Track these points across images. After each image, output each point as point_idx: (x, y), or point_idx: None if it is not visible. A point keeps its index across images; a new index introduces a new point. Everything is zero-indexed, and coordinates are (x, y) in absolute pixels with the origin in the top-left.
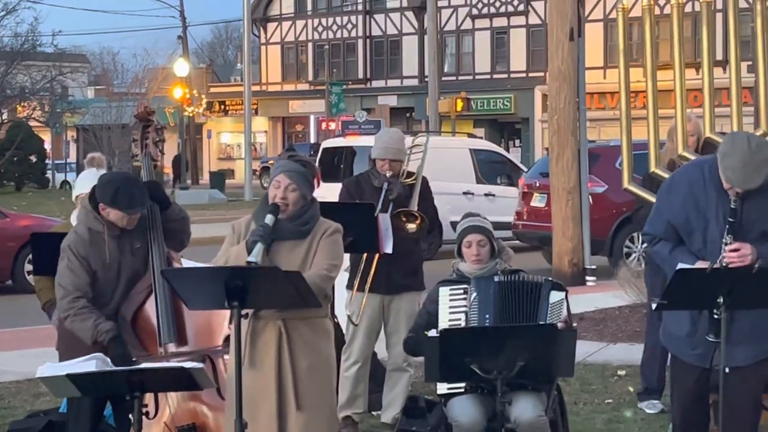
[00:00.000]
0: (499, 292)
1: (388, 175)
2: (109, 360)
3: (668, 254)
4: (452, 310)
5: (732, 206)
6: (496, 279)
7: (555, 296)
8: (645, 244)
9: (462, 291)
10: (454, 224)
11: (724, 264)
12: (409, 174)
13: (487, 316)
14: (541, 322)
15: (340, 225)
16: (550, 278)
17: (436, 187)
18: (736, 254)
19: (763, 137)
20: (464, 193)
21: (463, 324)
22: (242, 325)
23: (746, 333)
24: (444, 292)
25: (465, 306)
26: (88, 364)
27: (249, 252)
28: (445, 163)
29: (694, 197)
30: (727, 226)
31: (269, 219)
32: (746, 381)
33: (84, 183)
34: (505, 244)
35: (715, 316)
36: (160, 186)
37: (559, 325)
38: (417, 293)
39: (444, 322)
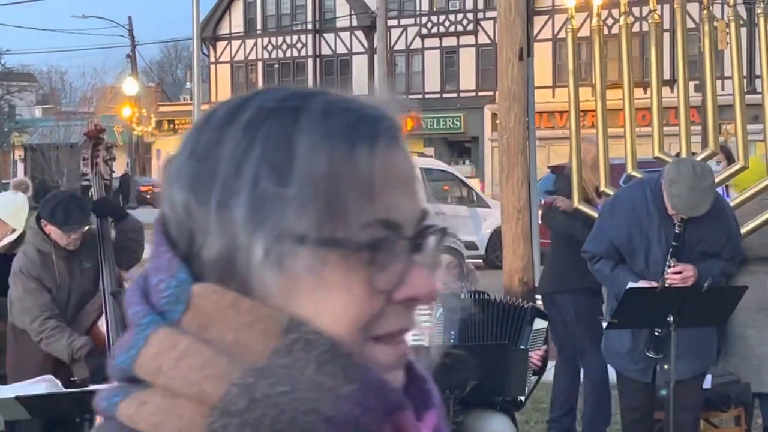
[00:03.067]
0: (466, 311)
1: None
2: (59, 382)
3: (610, 272)
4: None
5: (676, 231)
6: (463, 296)
7: (538, 323)
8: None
9: (426, 307)
10: None
11: (667, 285)
12: None
13: (452, 332)
14: (521, 346)
15: None
16: (534, 305)
17: None
18: (678, 276)
19: (706, 163)
20: None
21: (426, 342)
22: None
23: (686, 348)
24: None
25: (428, 322)
26: (37, 386)
27: None
28: None
29: (638, 218)
30: (671, 250)
31: None
32: (686, 394)
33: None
34: (473, 268)
35: (656, 334)
36: (113, 199)
37: (539, 353)
38: None
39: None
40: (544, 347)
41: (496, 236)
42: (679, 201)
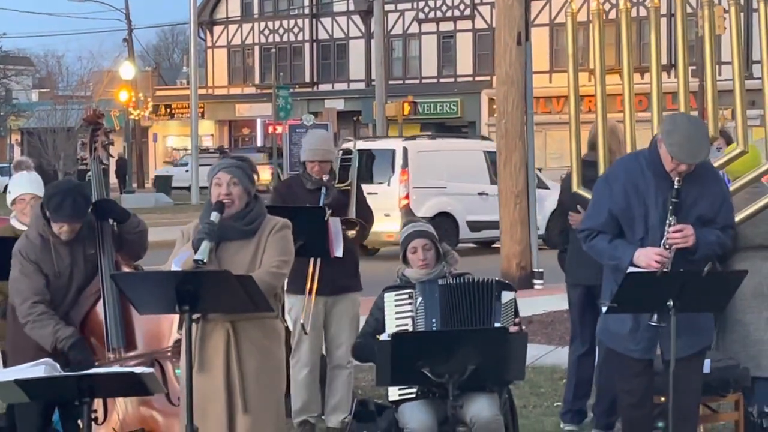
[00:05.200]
0: (444, 296)
1: (324, 178)
2: (58, 365)
3: (608, 244)
4: (398, 315)
5: (675, 186)
6: (440, 282)
7: (506, 296)
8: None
9: (407, 296)
10: (470, 223)
11: (667, 246)
12: (342, 177)
13: (433, 320)
14: (496, 323)
15: (288, 220)
16: (498, 278)
17: (454, 189)
18: (679, 234)
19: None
20: (479, 194)
21: (410, 329)
22: (192, 328)
23: (683, 325)
24: (389, 298)
25: (411, 311)
26: (36, 369)
27: (196, 250)
28: (461, 165)
29: (633, 183)
30: (671, 207)
31: (214, 216)
32: (684, 372)
33: (17, 187)
34: (449, 248)
35: (651, 323)
36: (115, 203)
37: (512, 328)
38: (357, 293)
39: (391, 328)
40: (517, 319)
41: None
42: (679, 149)
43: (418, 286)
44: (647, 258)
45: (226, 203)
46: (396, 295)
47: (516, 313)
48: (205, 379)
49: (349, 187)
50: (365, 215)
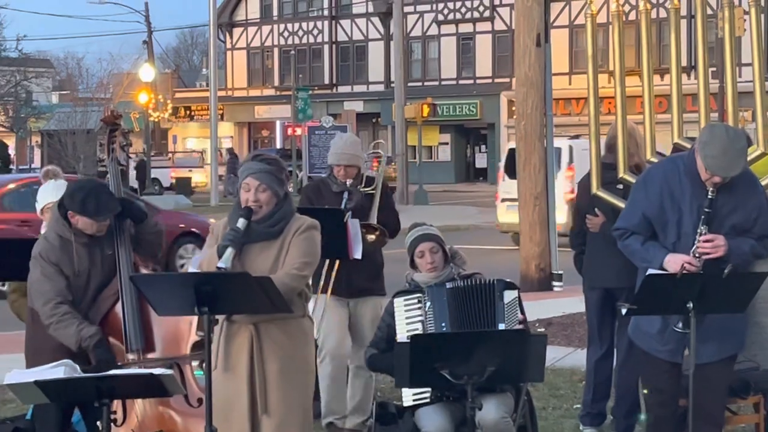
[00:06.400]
0: (452, 299)
1: (348, 183)
2: (77, 367)
3: (640, 246)
4: (408, 320)
5: (709, 196)
6: (448, 286)
7: (508, 296)
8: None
9: (416, 300)
10: None
11: (697, 254)
12: (369, 181)
13: (443, 324)
14: (499, 324)
15: (316, 221)
16: (501, 278)
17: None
18: (709, 244)
19: (740, 128)
20: None
21: (420, 331)
22: (215, 329)
23: (713, 330)
24: (399, 303)
25: (421, 315)
26: (56, 370)
27: (220, 257)
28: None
29: (670, 188)
30: (703, 217)
31: (241, 223)
32: (712, 377)
33: (46, 195)
34: (457, 249)
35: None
36: (133, 201)
37: (518, 326)
38: (380, 298)
39: (402, 333)
40: (521, 316)
41: None
42: (712, 161)
43: (427, 290)
44: (675, 264)
45: (254, 209)
46: (405, 300)
47: (521, 311)
48: (229, 380)
49: (374, 191)
50: (389, 221)
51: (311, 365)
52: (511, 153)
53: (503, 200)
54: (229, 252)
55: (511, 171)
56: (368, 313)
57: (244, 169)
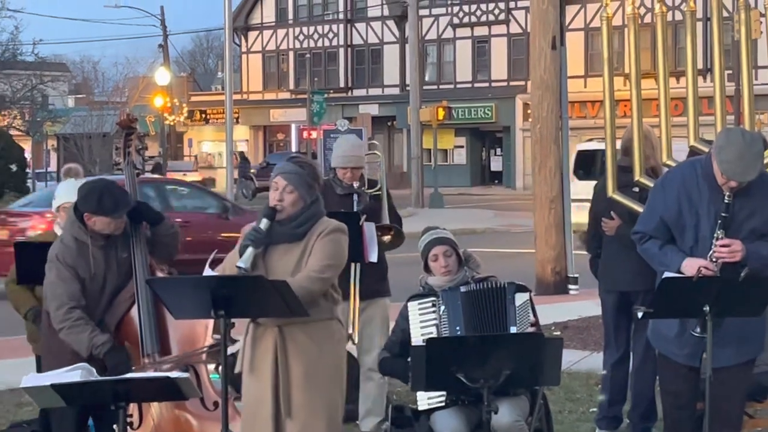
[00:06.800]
0: (466, 303)
1: (355, 185)
2: (94, 370)
3: (658, 250)
4: (423, 324)
5: (726, 201)
6: (462, 289)
7: (520, 298)
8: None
9: (430, 304)
10: None
11: (714, 259)
12: (371, 183)
13: (457, 328)
14: (511, 327)
15: (343, 224)
16: (512, 281)
17: None
18: (726, 249)
19: (756, 132)
20: None
21: (434, 335)
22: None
23: (731, 334)
24: (413, 307)
25: (435, 319)
26: (72, 374)
27: (241, 256)
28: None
29: (687, 192)
30: (720, 221)
31: (264, 223)
32: (730, 381)
33: (64, 193)
34: (471, 252)
35: (694, 334)
36: (148, 205)
37: (530, 328)
38: (386, 298)
39: (416, 337)
40: (533, 319)
41: None
42: (728, 166)
43: (441, 294)
44: (692, 269)
45: (277, 209)
46: (420, 303)
47: (533, 313)
48: (255, 382)
49: (379, 192)
50: (395, 222)
51: (339, 369)
52: (580, 154)
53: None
54: (250, 252)
55: (583, 172)
56: (378, 315)
57: (276, 169)
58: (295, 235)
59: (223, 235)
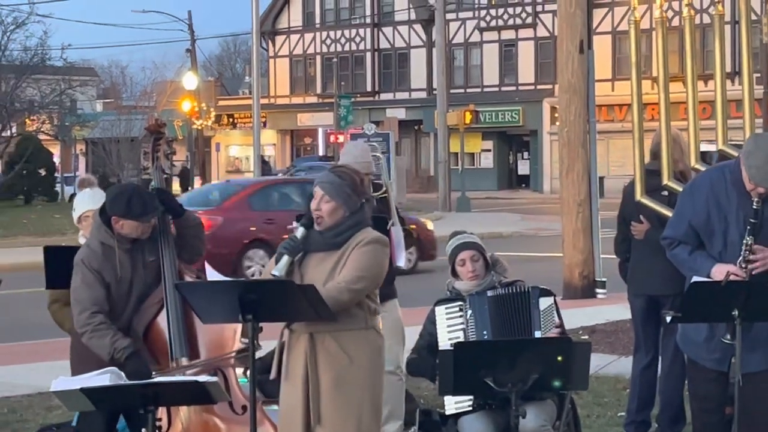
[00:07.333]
0: (493, 307)
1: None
2: (123, 374)
3: (688, 256)
4: (450, 328)
5: (754, 206)
6: (489, 294)
7: (544, 303)
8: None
9: (457, 308)
10: None
11: (743, 265)
12: (376, 186)
13: (484, 332)
14: (536, 332)
15: (383, 236)
16: (537, 285)
17: None
18: (759, 257)
19: None
20: None
21: (462, 339)
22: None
23: (761, 339)
24: (440, 311)
25: (462, 324)
26: (102, 377)
27: (277, 263)
28: None
29: (716, 198)
30: (749, 227)
31: (300, 231)
32: (759, 386)
33: (82, 204)
34: (498, 257)
35: (725, 341)
36: (171, 195)
37: (554, 331)
38: (395, 300)
39: (444, 341)
40: (558, 321)
41: None
42: (756, 172)
43: (468, 298)
44: (721, 275)
45: (316, 218)
46: (447, 308)
47: (558, 316)
48: (290, 388)
49: (385, 195)
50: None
51: (373, 378)
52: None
53: None
54: (285, 260)
55: None
56: (388, 318)
57: (316, 179)
58: (332, 244)
59: None
